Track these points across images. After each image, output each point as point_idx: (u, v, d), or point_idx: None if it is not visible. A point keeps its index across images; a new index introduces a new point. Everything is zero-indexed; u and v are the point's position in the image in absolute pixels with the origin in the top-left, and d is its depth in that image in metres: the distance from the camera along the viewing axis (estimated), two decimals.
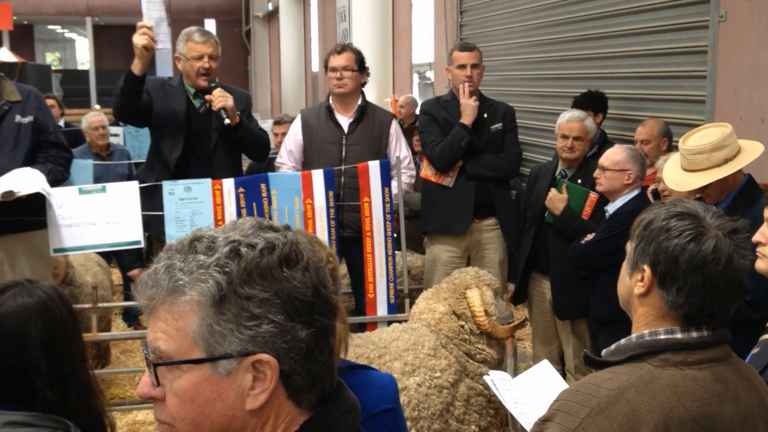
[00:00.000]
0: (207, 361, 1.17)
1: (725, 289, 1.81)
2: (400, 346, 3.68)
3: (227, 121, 4.64)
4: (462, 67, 5.14)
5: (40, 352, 1.99)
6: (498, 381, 3.10)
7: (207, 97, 4.71)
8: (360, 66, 5.10)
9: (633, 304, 1.92)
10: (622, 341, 1.87)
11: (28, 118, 4.62)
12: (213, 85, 4.71)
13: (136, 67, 4.48)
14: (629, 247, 1.93)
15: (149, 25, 4.49)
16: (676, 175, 3.54)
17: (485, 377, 3.36)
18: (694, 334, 1.82)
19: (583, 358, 1.97)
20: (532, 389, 3.05)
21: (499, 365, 3.96)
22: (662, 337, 1.82)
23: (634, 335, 1.87)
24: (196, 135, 4.80)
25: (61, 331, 2.04)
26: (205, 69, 4.73)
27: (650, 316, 1.87)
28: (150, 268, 1.21)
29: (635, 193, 4.26)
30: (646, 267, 1.86)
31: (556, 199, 4.65)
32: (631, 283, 1.91)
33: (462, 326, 3.84)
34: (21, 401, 1.98)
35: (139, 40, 4.45)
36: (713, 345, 1.82)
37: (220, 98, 4.63)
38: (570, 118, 4.75)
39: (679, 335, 1.82)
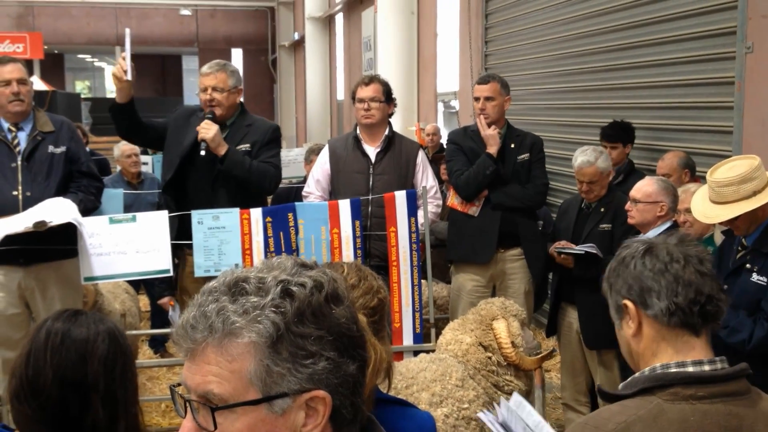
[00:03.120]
0: (264, 402, 1.17)
1: (700, 282, 1.82)
2: (427, 377, 3.66)
3: (203, 152, 4.65)
4: (477, 99, 5.19)
5: (102, 369, 2.04)
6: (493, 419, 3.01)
7: (197, 128, 4.73)
8: (387, 97, 5.14)
9: (633, 351, 1.91)
10: (637, 374, 1.87)
11: (61, 149, 4.71)
12: (208, 116, 4.74)
13: (116, 95, 4.72)
14: (611, 310, 1.97)
15: (124, 56, 4.58)
16: (704, 208, 3.52)
17: (479, 414, 3.28)
18: (707, 368, 1.79)
19: (597, 391, 1.98)
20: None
21: (527, 396, 3.93)
22: (673, 370, 1.80)
23: (647, 368, 1.85)
24: (201, 165, 4.79)
25: (123, 357, 2.11)
26: (207, 101, 4.77)
27: (653, 346, 1.86)
28: (192, 310, 1.21)
29: (668, 224, 4.22)
30: (625, 302, 1.88)
31: (564, 263, 4.69)
32: (625, 330, 1.91)
33: (489, 357, 3.83)
34: (69, 418, 2.01)
35: (112, 70, 4.66)
36: (728, 379, 1.78)
37: (202, 129, 4.65)
38: (581, 164, 4.72)
39: (690, 368, 1.79)
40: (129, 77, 4.58)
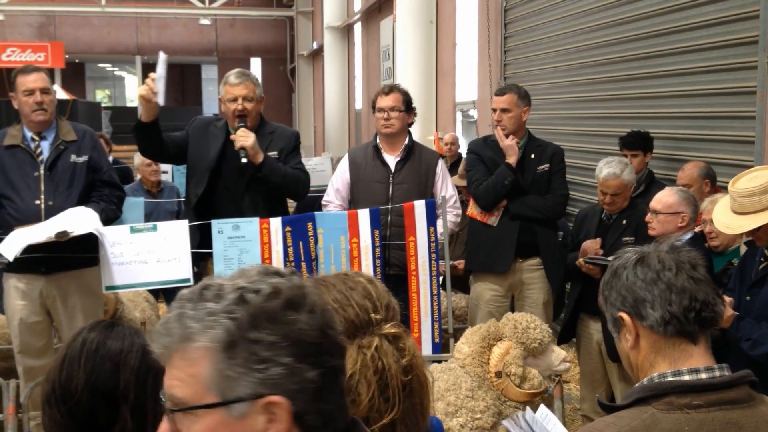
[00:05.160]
0: (220, 406, 1.20)
1: (693, 288, 1.79)
2: (441, 386, 3.66)
3: (244, 160, 4.66)
4: (494, 110, 5.19)
5: (134, 380, 2.06)
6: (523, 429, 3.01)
7: (231, 137, 4.75)
8: (407, 106, 5.15)
9: (633, 363, 1.88)
10: (636, 385, 1.84)
11: (83, 158, 4.74)
12: (240, 125, 4.74)
13: (141, 115, 4.62)
14: (609, 323, 1.95)
15: (153, 77, 4.53)
16: (726, 218, 3.50)
17: (504, 422, 3.29)
18: (703, 376, 1.76)
19: (597, 403, 1.96)
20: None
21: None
22: (669, 379, 1.77)
23: (645, 379, 1.83)
24: (229, 175, 4.83)
25: (155, 370, 2.12)
26: (239, 111, 4.77)
27: (650, 357, 1.83)
28: (164, 318, 1.27)
29: (689, 235, 4.19)
30: (620, 314, 1.86)
31: (591, 273, 4.63)
32: (623, 343, 1.89)
33: (486, 372, 3.78)
34: (98, 427, 2.03)
35: (139, 90, 4.59)
36: (726, 386, 1.75)
37: (240, 138, 4.66)
38: (606, 176, 4.63)
39: (686, 377, 1.76)
40: (159, 101, 4.56)
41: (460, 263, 5.96)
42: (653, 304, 1.80)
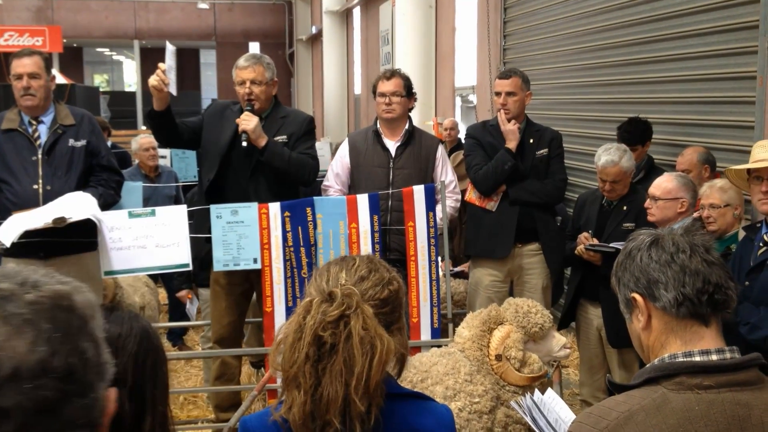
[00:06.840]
0: None
1: (707, 271, 1.81)
2: (440, 371, 3.66)
3: (244, 143, 4.66)
4: (498, 94, 5.17)
5: (132, 364, 2.06)
6: (529, 407, 3.05)
7: (236, 120, 4.74)
8: (408, 92, 5.15)
9: (644, 344, 1.90)
10: (647, 365, 1.86)
11: (81, 142, 4.73)
12: (247, 108, 4.74)
13: (154, 104, 4.62)
14: (621, 304, 1.97)
15: (163, 68, 4.51)
16: (752, 159, 3.48)
17: (512, 403, 3.32)
18: (714, 357, 1.78)
19: (608, 382, 1.98)
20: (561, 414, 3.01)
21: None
22: (680, 359, 1.79)
23: (656, 359, 1.84)
24: (239, 159, 4.83)
25: (154, 354, 2.12)
26: (246, 94, 4.77)
27: (662, 338, 1.85)
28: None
29: (688, 221, 4.19)
30: (633, 295, 1.88)
31: (592, 260, 4.63)
32: (635, 324, 1.91)
33: (485, 356, 3.78)
34: None
35: (150, 80, 4.56)
36: (737, 368, 1.76)
37: (243, 121, 4.66)
38: (605, 164, 4.63)
39: (697, 358, 1.78)
40: (172, 91, 4.57)
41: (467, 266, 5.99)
42: (666, 286, 1.82)
